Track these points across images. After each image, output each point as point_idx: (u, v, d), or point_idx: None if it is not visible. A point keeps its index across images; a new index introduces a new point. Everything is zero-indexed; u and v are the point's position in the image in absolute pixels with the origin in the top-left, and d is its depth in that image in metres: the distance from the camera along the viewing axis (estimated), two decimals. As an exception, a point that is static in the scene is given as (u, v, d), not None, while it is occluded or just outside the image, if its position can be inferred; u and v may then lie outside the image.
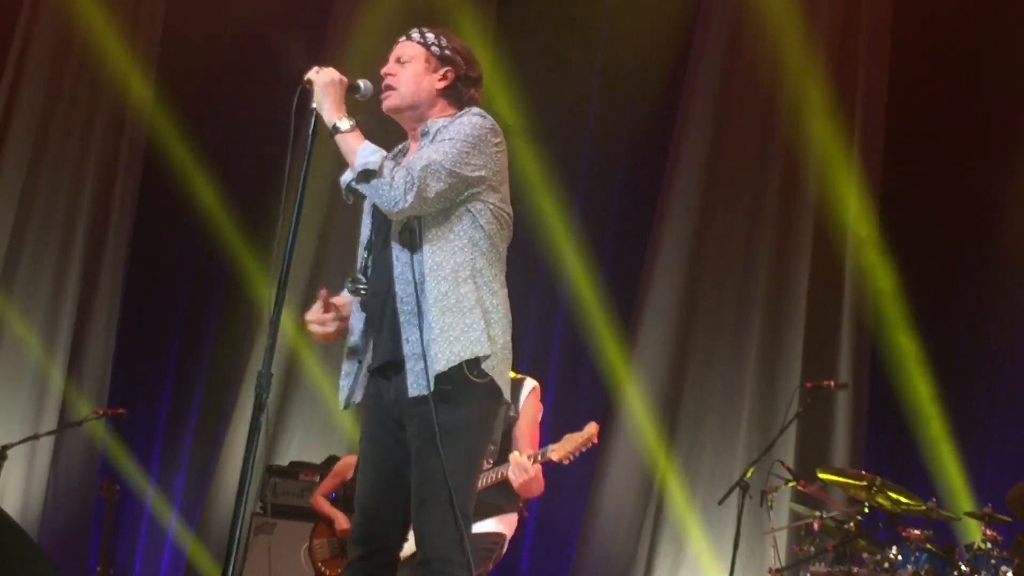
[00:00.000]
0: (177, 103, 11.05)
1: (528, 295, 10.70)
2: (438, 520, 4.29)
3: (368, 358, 4.65)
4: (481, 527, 6.14)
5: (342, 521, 8.35)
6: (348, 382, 4.70)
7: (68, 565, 9.90)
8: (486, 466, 6.10)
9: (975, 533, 7.98)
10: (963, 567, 7.46)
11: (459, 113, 4.60)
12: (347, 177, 4.46)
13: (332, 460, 9.23)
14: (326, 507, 8.49)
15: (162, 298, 11.52)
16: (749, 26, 10.41)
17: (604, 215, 11.01)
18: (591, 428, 6.11)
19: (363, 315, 4.78)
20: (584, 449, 6.13)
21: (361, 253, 4.81)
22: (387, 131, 10.85)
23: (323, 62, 10.92)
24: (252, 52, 11.18)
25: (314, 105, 4.48)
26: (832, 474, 8.14)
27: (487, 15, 11.02)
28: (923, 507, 7.73)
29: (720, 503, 8.23)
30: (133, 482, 10.82)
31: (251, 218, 10.95)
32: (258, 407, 4.27)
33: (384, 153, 4.45)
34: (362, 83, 4.63)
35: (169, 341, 11.55)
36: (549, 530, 10.29)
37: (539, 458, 6.10)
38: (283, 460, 10.13)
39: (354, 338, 4.77)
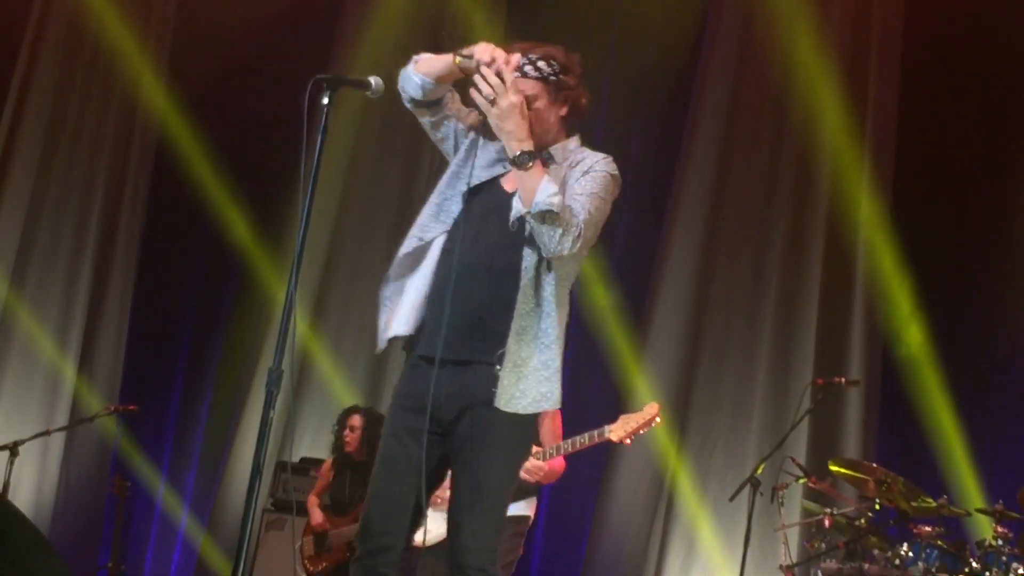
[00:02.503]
0: (188, 102, 11.07)
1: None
2: (485, 530, 4.33)
3: (427, 337, 4.48)
4: (512, 509, 6.19)
5: (315, 517, 8.54)
6: (400, 315, 4.56)
7: (79, 561, 9.92)
8: None
9: (986, 530, 7.96)
10: (974, 564, 7.45)
11: (587, 150, 4.58)
12: (521, 210, 4.36)
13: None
14: (309, 505, 8.58)
15: (173, 295, 11.55)
16: (760, 25, 10.39)
17: (615, 212, 10.97)
18: (652, 408, 6.12)
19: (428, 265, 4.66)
20: (645, 430, 6.16)
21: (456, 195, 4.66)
22: (389, 130, 10.88)
23: (335, 60, 10.96)
24: (263, 51, 11.19)
25: (498, 125, 4.36)
26: (843, 466, 8.13)
27: (497, 12, 11.02)
28: (934, 504, 7.71)
29: (731, 500, 8.23)
30: (144, 478, 10.85)
31: (262, 216, 10.97)
32: (269, 403, 4.27)
33: (563, 196, 4.33)
34: (373, 80, 4.61)
35: (180, 338, 11.57)
36: (560, 527, 10.30)
37: (596, 439, 6.17)
38: (294, 456, 10.15)
39: (413, 277, 4.67)
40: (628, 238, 10.87)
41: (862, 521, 7.79)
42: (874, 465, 7.93)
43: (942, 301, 9.92)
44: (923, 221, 10.07)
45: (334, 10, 11.38)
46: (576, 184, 4.44)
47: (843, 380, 8.48)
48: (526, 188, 4.31)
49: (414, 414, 4.40)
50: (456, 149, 4.75)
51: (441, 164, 11.67)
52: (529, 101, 4.44)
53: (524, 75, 4.48)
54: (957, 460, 9.44)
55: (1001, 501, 7.71)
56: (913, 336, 9.79)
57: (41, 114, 10.89)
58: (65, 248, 10.83)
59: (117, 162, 11.05)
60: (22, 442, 8.77)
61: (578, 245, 4.32)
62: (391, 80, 4.69)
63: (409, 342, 4.55)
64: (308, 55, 10.98)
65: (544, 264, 4.39)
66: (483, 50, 4.39)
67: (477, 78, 4.36)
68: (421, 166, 11.08)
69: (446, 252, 4.59)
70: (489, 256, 4.44)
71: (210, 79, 11.21)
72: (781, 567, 8.21)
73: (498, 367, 4.34)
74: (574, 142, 4.62)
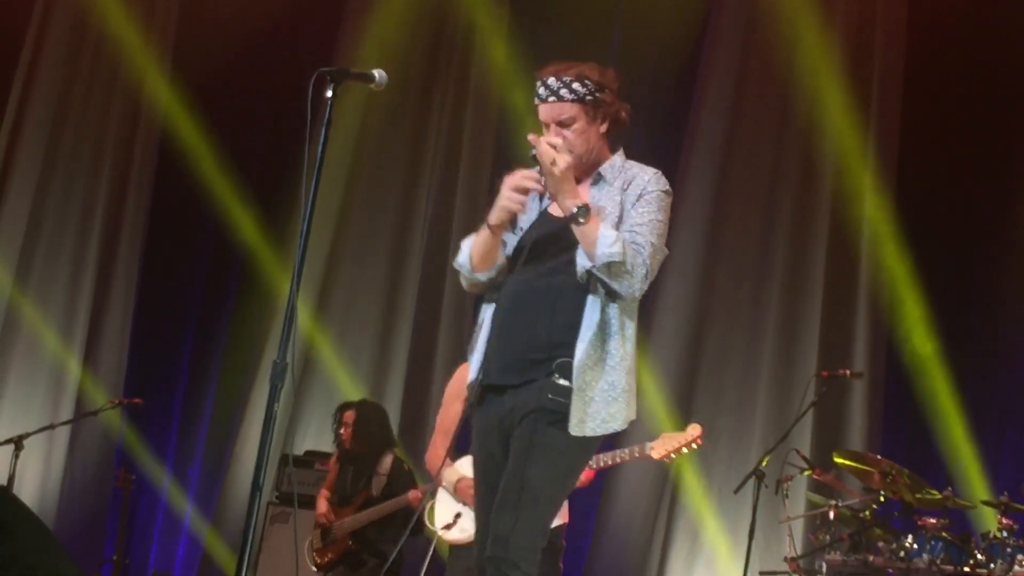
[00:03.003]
0: (192, 95, 11.06)
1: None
2: (524, 528, 4.36)
3: (486, 364, 4.59)
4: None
5: (319, 508, 8.58)
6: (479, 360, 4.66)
7: (84, 554, 9.93)
8: None
9: (991, 522, 7.96)
10: (979, 556, 7.45)
11: (633, 164, 4.65)
12: (585, 263, 4.41)
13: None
14: (318, 499, 8.60)
15: (178, 288, 11.55)
16: (763, 20, 10.38)
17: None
18: (695, 430, 6.20)
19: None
20: (686, 450, 6.26)
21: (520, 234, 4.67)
22: (393, 123, 10.87)
23: (338, 54, 10.97)
24: (266, 44, 11.19)
25: (551, 191, 4.45)
26: (847, 458, 8.13)
27: (500, 9, 11.01)
28: (939, 496, 7.72)
29: (736, 492, 8.23)
30: (149, 471, 10.85)
31: (266, 208, 10.97)
32: (273, 396, 4.27)
33: (622, 238, 4.39)
34: (376, 73, 4.61)
35: (184, 331, 11.57)
36: (564, 519, 10.30)
37: (636, 454, 6.30)
38: (299, 449, 10.16)
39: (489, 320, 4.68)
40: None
41: (867, 513, 7.79)
42: (879, 457, 7.93)
43: (946, 293, 9.92)
44: (927, 214, 10.06)
45: (337, 4, 11.37)
46: (634, 212, 4.51)
47: (847, 372, 8.48)
48: (587, 242, 4.38)
49: (488, 440, 4.54)
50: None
51: (445, 156, 11.73)
52: (566, 123, 4.53)
53: (560, 99, 4.54)
54: (962, 452, 9.44)
55: (1006, 493, 7.72)
56: (918, 332, 9.78)
57: (45, 109, 10.90)
58: (69, 242, 10.84)
59: (121, 156, 11.05)
60: (27, 436, 8.77)
61: (647, 282, 4.46)
62: (394, 73, 4.69)
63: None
64: (312, 49, 10.99)
65: (605, 290, 4.46)
66: (533, 141, 4.48)
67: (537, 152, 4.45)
68: (425, 159, 11.08)
69: (504, 284, 4.64)
70: (547, 284, 4.50)
71: (214, 73, 11.20)
72: (786, 559, 8.21)
73: (557, 375, 4.41)
74: (619, 157, 4.68)
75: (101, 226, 10.91)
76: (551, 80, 4.56)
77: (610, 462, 6.34)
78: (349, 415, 8.69)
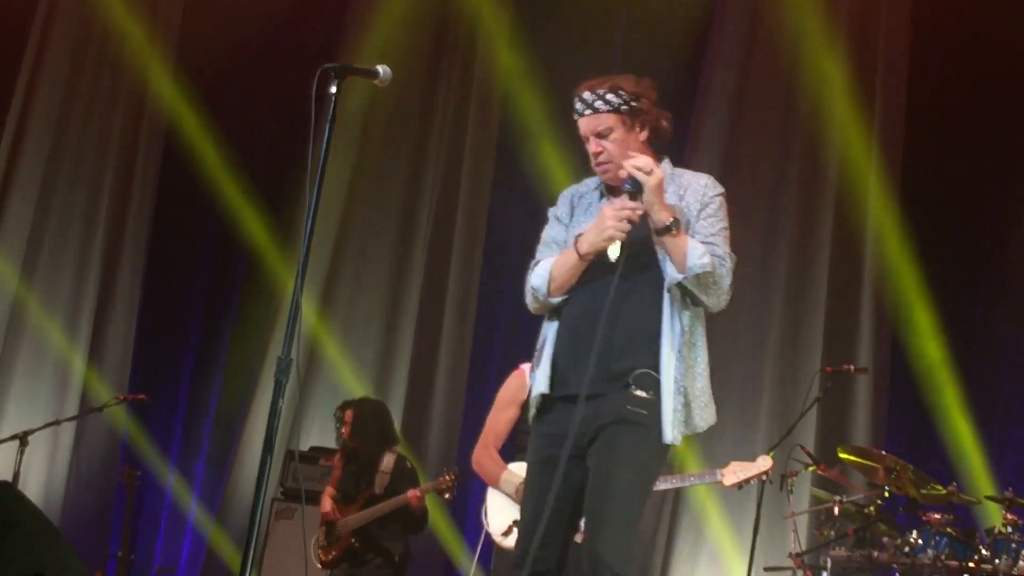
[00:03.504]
0: (196, 90, 11.07)
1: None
2: (618, 535, 4.43)
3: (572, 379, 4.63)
4: None
5: (323, 506, 8.56)
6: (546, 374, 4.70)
7: (89, 550, 9.93)
8: None
9: (995, 517, 7.95)
10: (983, 551, 7.45)
11: (681, 171, 4.75)
12: (676, 276, 4.48)
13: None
14: (323, 497, 8.61)
15: (182, 284, 11.56)
16: (768, 14, 10.37)
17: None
18: (766, 462, 6.46)
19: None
20: (753, 481, 6.56)
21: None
22: (397, 119, 10.87)
23: (342, 50, 10.96)
24: (271, 38, 11.19)
25: (644, 205, 4.48)
26: (852, 454, 8.13)
27: (504, 5, 11.01)
28: (943, 491, 7.71)
29: (740, 488, 8.22)
30: (154, 467, 10.86)
31: (270, 204, 10.97)
32: (277, 392, 4.28)
33: (708, 251, 4.47)
34: (381, 69, 4.62)
35: (189, 327, 11.58)
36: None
37: (705, 479, 6.55)
38: (303, 445, 10.16)
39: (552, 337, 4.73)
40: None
41: (871, 509, 7.79)
42: (883, 453, 7.93)
43: (951, 288, 9.91)
44: (931, 209, 10.06)
45: (341, 1, 11.37)
46: (703, 223, 4.58)
47: (852, 368, 8.49)
48: (678, 254, 4.45)
49: (554, 446, 4.55)
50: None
51: (449, 152, 11.72)
52: (604, 133, 4.61)
53: (595, 111, 4.63)
54: (966, 447, 9.44)
55: (1011, 488, 7.71)
56: (925, 335, 9.78)
57: (50, 105, 10.90)
58: (75, 238, 10.85)
59: (126, 152, 11.06)
60: (32, 432, 8.78)
61: (730, 293, 4.57)
62: (398, 70, 4.69)
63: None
64: (316, 44, 10.99)
65: (687, 298, 4.54)
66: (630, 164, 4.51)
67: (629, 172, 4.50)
68: (429, 156, 11.08)
69: (574, 296, 4.67)
70: (622, 295, 4.53)
71: (218, 69, 11.21)
72: (790, 555, 8.21)
73: (635, 387, 4.49)
74: (667, 165, 4.73)
75: (106, 223, 10.92)
76: (586, 94, 4.66)
77: (679, 484, 6.48)
78: (348, 414, 8.70)
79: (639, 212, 4.47)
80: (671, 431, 4.47)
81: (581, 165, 10.78)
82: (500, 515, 6.36)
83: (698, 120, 10.52)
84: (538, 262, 4.74)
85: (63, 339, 10.65)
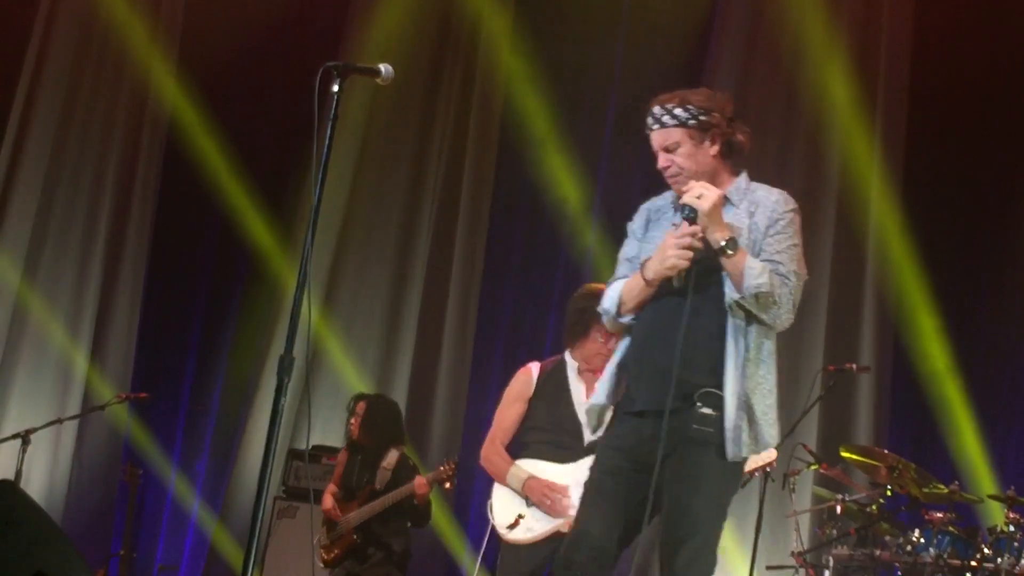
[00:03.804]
0: (198, 90, 11.06)
1: (551, 285, 10.72)
2: (697, 562, 4.50)
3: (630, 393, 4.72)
4: None
5: (325, 503, 8.53)
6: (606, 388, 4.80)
7: (92, 549, 9.93)
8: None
9: (998, 516, 7.96)
10: (985, 550, 7.45)
11: (757, 186, 4.76)
12: (734, 295, 4.50)
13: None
14: (324, 495, 8.61)
15: (184, 282, 11.55)
16: (770, 11, 10.37)
17: (626, 203, 10.97)
18: (770, 455, 6.34)
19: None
20: (759, 473, 6.64)
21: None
22: (400, 118, 10.86)
23: (345, 48, 10.94)
24: (273, 38, 11.18)
25: (700, 227, 4.51)
26: (854, 452, 8.13)
27: (506, 2, 11.01)
28: (946, 490, 7.71)
29: (743, 486, 8.22)
30: (156, 466, 10.86)
31: (272, 203, 10.97)
32: (280, 391, 4.28)
33: (768, 268, 4.49)
34: (383, 67, 4.62)
35: (192, 325, 11.58)
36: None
37: None
38: (306, 444, 10.16)
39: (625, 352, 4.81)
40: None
41: (874, 507, 7.80)
42: (885, 451, 7.93)
43: (954, 287, 9.91)
44: (934, 208, 10.06)
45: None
46: (771, 239, 4.62)
47: (854, 366, 8.48)
48: (735, 273, 4.47)
49: (618, 457, 4.62)
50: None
51: (451, 151, 11.73)
52: (671, 148, 4.63)
53: (663, 125, 4.65)
54: (969, 446, 9.44)
55: (1012, 487, 7.71)
56: (931, 345, 9.78)
57: (52, 101, 10.90)
58: (76, 237, 10.84)
59: (128, 151, 11.05)
60: (34, 430, 8.78)
61: (794, 310, 4.58)
62: (400, 68, 4.69)
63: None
64: (318, 43, 10.98)
65: (751, 316, 4.54)
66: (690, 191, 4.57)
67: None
68: (430, 154, 11.08)
69: (643, 313, 4.73)
70: (687, 312, 4.54)
71: (220, 67, 11.20)
72: (792, 553, 8.22)
73: (700, 404, 4.51)
74: (743, 179, 4.76)
75: (108, 221, 10.91)
76: (655, 109, 4.67)
77: None
78: (361, 406, 8.69)
79: (699, 236, 4.51)
80: (732, 448, 4.48)
81: (586, 158, 10.86)
82: (506, 509, 6.38)
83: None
84: (616, 279, 4.84)
85: (65, 337, 10.64)
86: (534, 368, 6.61)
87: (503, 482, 6.39)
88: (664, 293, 4.62)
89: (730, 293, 4.49)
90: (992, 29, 10.05)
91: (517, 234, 11.15)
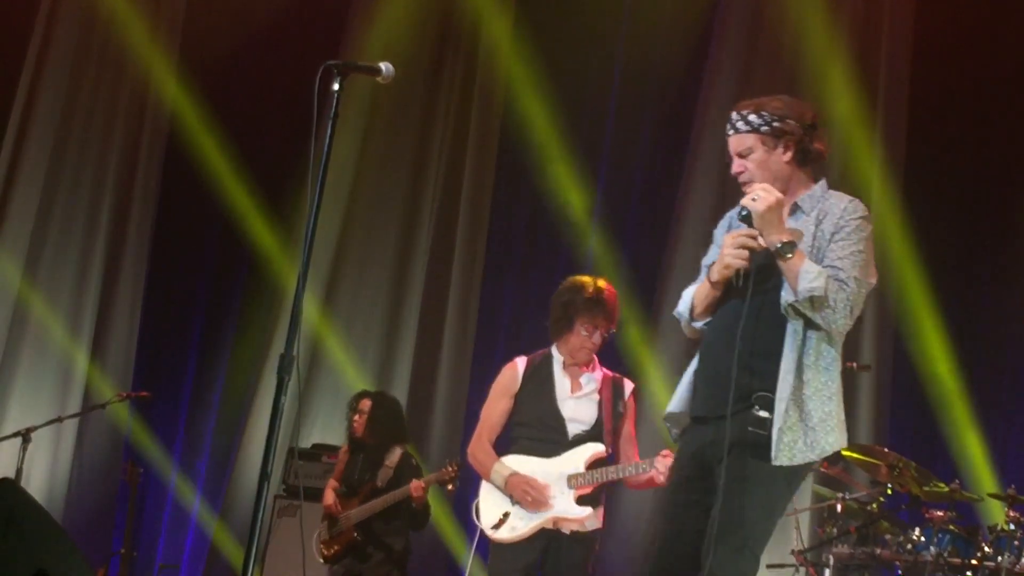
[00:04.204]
0: (199, 88, 11.07)
1: (552, 280, 10.69)
2: (728, 564, 4.47)
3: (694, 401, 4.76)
4: (593, 524, 6.33)
5: (327, 498, 8.54)
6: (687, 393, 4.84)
7: (92, 547, 9.94)
8: (600, 454, 6.31)
9: (998, 515, 7.95)
10: (986, 549, 7.44)
11: (833, 194, 4.71)
12: (789, 298, 4.49)
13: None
14: (326, 490, 8.60)
15: (185, 281, 11.57)
16: (771, 14, 10.37)
17: (627, 194, 11.01)
18: None
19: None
20: None
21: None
22: (400, 116, 10.85)
23: (345, 47, 10.93)
24: (274, 35, 11.19)
25: (756, 229, 4.53)
26: (855, 451, 8.13)
27: (506, 2, 11.01)
28: (946, 489, 7.71)
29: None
30: (157, 464, 10.87)
31: (273, 201, 10.98)
32: (280, 389, 4.28)
33: (824, 273, 4.46)
34: (383, 66, 4.62)
35: (192, 324, 11.59)
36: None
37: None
38: (306, 442, 10.17)
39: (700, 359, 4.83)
40: (639, 224, 10.89)
41: (874, 506, 7.79)
42: (886, 450, 7.92)
43: (955, 285, 9.91)
44: (935, 205, 10.05)
45: (345, -2, 11.39)
46: (834, 245, 4.58)
47: (854, 365, 8.45)
48: (791, 276, 4.47)
49: (688, 466, 4.66)
50: None
51: (451, 151, 11.72)
52: (744, 153, 4.66)
53: (737, 131, 4.67)
54: (969, 444, 9.44)
55: (1013, 486, 7.71)
56: (928, 326, 9.77)
57: (53, 100, 10.91)
58: (77, 236, 10.85)
59: (129, 149, 11.07)
60: (35, 429, 8.78)
61: (852, 317, 4.51)
62: (400, 67, 4.69)
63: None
64: (318, 41, 11.00)
65: (810, 323, 4.53)
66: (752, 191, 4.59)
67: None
68: (431, 154, 11.09)
69: (716, 318, 4.76)
70: (749, 317, 4.57)
71: (221, 65, 11.22)
72: (793, 552, 8.21)
73: (757, 407, 4.52)
74: (820, 187, 4.74)
75: (109, 220, 10.92)
76: (732, 115, 4.70)
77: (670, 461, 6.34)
78: (365, 403, 8.68)
79: (755, 237, 4.54)
80: (778, 453, 4.47)
81: (587, 156, 10.87)
82: (491, 508, 6.35)
83: (700, 121, 10.51)
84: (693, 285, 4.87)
85: (66, 336, 10.65)
86: (520, 363, 6.57)
87: (488, 479, 6.37)
88: (730, 299, 4.66)
89: (786, 296, 4.50)
90: (993, 30, 10.04)
91: (517, 234, 11.16)
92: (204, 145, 10.91)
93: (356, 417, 8.65)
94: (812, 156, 4.71)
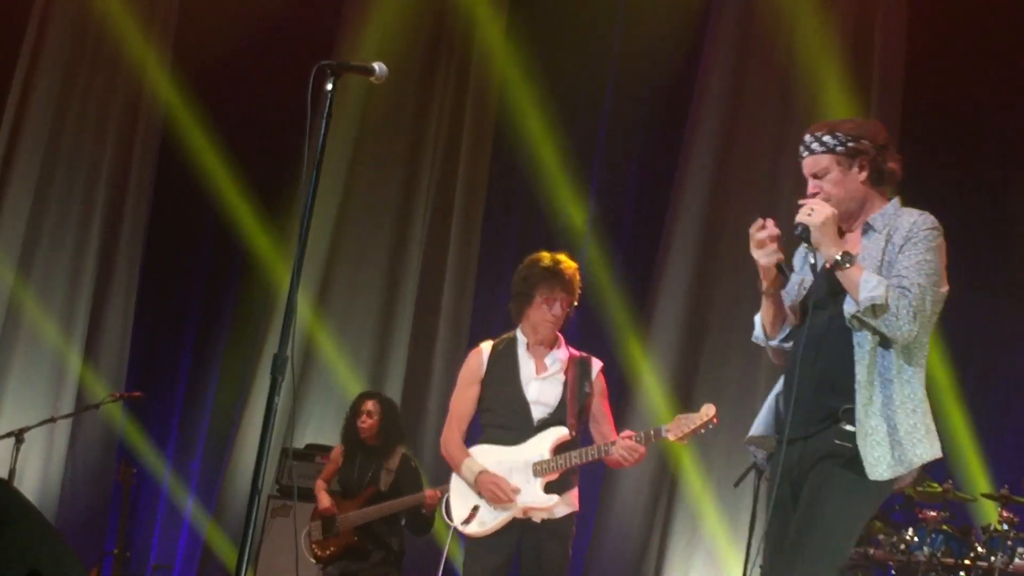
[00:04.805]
0: (193, 86, 11.06)
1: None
2: (817, 568, 4.47)
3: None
4: (564, 510, 6.22)
5: (323, 501, 8.51)
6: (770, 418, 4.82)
7: (86, 548, 9.93)
8: (564, 438, 6.20)
9: (991, 515, 7.97)
10: (979, 548, 7.46)
11: (906, 210, 4.77)
12: (850, 308, 4.50)
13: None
14: (317, 490, 8.59)
15: (179, 281, 11.56)
16: (764, 10, 10.37)
17: (620, 197, 11.01)
18: (709, 409, 6.18)
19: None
20: (702, 431, 6.22)
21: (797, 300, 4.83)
22: (393, 116, 10.86)
23: (339, 46, 10.93)
24: (268, 35, 11.18)
25: (813, 244, 4.60)
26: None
27: (499, 5, 11.01)
28: (939, 489, 7.72)
29: (736, 486, 8.23)
30: (150, 465, 10.86)
31: (266, 201, 10.97)
32: (274, 390, 4.27)
33: (885, 282, 4.49)
34: (376, 66, 4.62)
35: (185, 324, 11.58)
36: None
37: (652, 438, 6.21)
38: (299, 443, 10.16)
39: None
40: (632, 223, 10.90)
41: (867, 506, 7.77)
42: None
43: (948, 283, 9.89)
44: (929, 203, 10.02)
45: (338, -4, 11.38)
46: (901, 256, 4.62)
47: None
48: (850, 287, 4.49)
49: (780, 488, 4.60)
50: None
51: (445, 150, 11.73)
52: (820, 174, 4.71)
53: (811, 152, 4.73)
54: (962, 445, 9.44)
55: (1006, 486, 7.73)
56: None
57: (46, 100, 10.89)
58: (71, 236, 10.84)
59: (122, 149, 11.05)
60: (28, 429, 8.77)
61: (917, 324, 4.52)
62: (394, 67, 4.69)
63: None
64: (312, 42, 10.99)
65: (878, 335, 4.52)
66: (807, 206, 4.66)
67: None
68: (425, 153, 11.09)
69: (796, 339, 4.76)
70: (827, 336, 4.60)
71: (215, 65, 11.20)
72: (786, 552, 8.20)
73: (844, 422, 4.50)
74: (892, 206, 4.78)
75: (102, 219, 10.91)
76: (806, 137, 4.75)
77: (631, 442, 6.25)
78: (374, 405, 8.64)
79: (765, 232, 4.71)
80: (866, 466, 4.44)
81: (581, 152, 10.87)
82: (462, 502, 6.27)
83: (694, 117, 10.52)
84: None
85: (59, 336, 10.64)
86: (485, 348, 6.50)
87: (459, 473, 6.28)
88: (808, 318, 4.66)
89: (848, 307, 4.50)
90: (986, 29, 10.05)
91: (511, 233, 11.15)
92: (197, 145, 10.90)
93: (363, 418, 8.59)
94: (886, 176, 4.78)
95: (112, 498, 10.52)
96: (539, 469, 6.13)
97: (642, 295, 10.39)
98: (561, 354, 6.41)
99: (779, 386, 4.80)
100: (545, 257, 6.41)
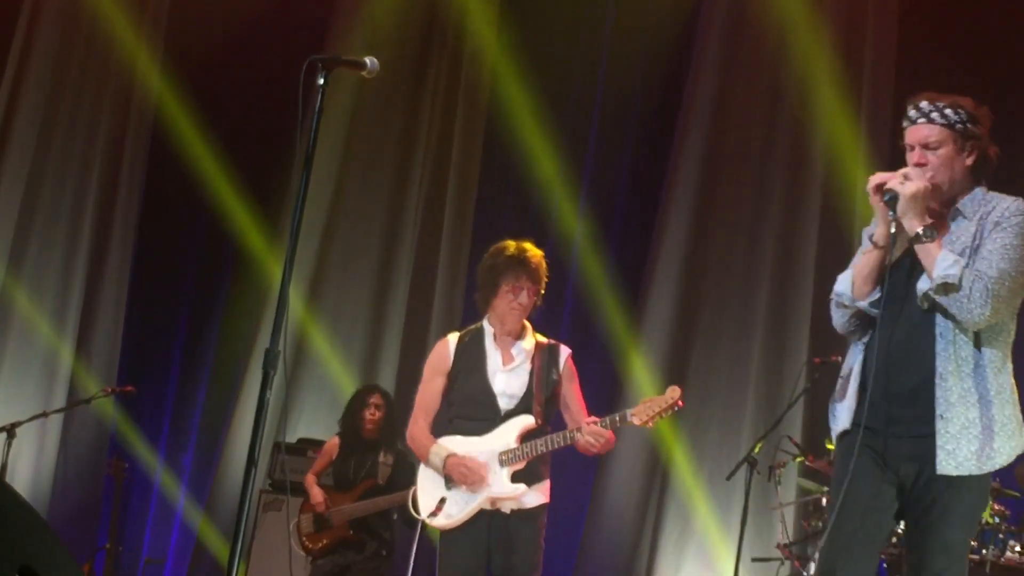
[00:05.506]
0: (184, 81, 11.05)
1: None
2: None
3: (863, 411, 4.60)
4: (534, 500, 6.18)
5: (315, 496, 8.51)
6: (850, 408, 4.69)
7: (78, 543, 9.93)
8: (531, 426, 6.16)
9: (983, 508, 7.97)
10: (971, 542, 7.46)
11: (995, 196, 4.59)
12: (924, 285, 4.42)
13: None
14: (308, 484, 8.58)
15: (170, 276, 11.55)
16: (755, 7, 10.38)
17: (612, 193, 11.02)
18: (674, 392, 6.10)
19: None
20: (667, 414, 6.10)
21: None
22: (385, 109, 10.84)
23: (330, 41, 10.92)
24: (259, 30, 11.17)
25: (898, 214, 4.43)
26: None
27: (491, 3, 11.01)
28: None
29: (728, 479, 8.23)
30: (142, 459, 10.86)
31: (258, 196, 10.96)
32: (265, 384, 4.27)
33: (962, 263, 4.37)
34: (368, 60, 4.62)
35: (177, 319, 11.58)
36: (557, 505, 10.28)
37: (618, 422, 6.10)
38: (291, 437, 10.16)
39: (857, 369, 4.72)
40: (624, 220, 10.89)
41: (859, 499, 7.79)
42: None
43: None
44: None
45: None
46: (987, 241, 4.45)
47: (839, 358, 8.46)
48: (927, 262, 4.39)
49: (860, 478, 4.50)
50: None
51: (437, 144, 11.71)
52: (932, 146, 4.53)
53: (930, 120, 4.54)
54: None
55: (998, 479, 7.73)
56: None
57: (37, 95, 10.88)
58: (62, 230, 10.83)
59: (113, 144, 11.04)
60: (19, 424, 8.76)
61: (989, 308, 4.35)
62: (385, 61, 4.69)
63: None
64: (303, 36, 10.98)
65: (963, 328, 4.43)
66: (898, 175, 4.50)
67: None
68: (417, 147, 11.09)
69: (875, 328, 4.64)
70: (913, 323, 4.50)
71: (206, 60, 11.19)
72: (778, 545, 8.23)
73: (943, 419, 4.41)
74: (981, 191, 4.62)
75: (94, 214, 10.90)
76: (923, 103, 4.58)
77: (596, 427, 6.19)
78: (379, 399, 8.64)
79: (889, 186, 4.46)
80: (974, 463, 4.40)
81: (572, 148, 10.87)
82: (429, 494, 6.24)
83: (686, 113, 10.52)
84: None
85: (51, 331, 10.63)
86: (451, 339, 6.41)
87: (426, 462, 6.23)
88: (893, 305, 4.53)
89: (921, 285, 4.43)
90: (978, 22, 10.05)
91: (503, 227, 11.14)
92: (189, 139, 10.89)
93: (372, 411, 8.58)
94: (987, 164, 4.63)
95: (104, 493, 10.52)
96: (505, 458, 6.08)
97: (634, 288, 10.40)
98: (527, 343, 6.33)
99: (856, 372, 4.69)
100: (510, 246, 6.32)
